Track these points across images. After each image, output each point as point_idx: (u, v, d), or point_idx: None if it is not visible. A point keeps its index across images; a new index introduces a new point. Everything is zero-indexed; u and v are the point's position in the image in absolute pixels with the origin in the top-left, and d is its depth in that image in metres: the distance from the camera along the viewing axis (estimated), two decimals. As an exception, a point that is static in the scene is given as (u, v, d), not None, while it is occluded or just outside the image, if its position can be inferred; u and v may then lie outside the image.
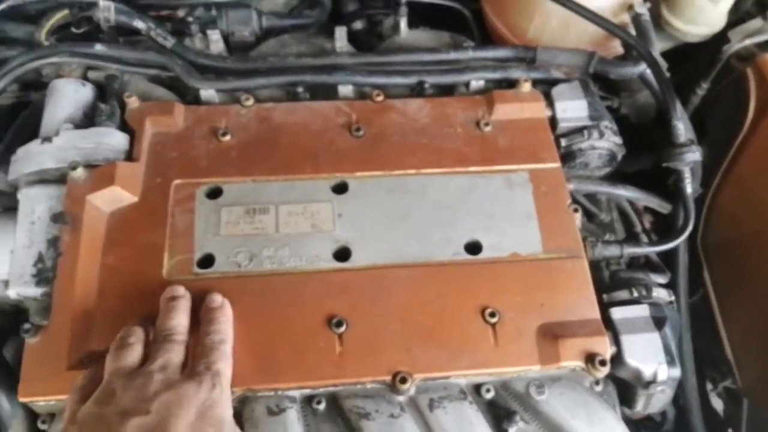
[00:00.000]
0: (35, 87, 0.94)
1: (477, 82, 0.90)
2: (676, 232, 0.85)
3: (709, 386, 1.03)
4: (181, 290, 0.69)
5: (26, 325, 0.68)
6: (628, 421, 0.72)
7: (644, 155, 0.95)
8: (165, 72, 0.88)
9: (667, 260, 0.88)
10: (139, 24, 0.90)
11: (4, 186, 0.82)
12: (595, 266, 0.79)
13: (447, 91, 0.91)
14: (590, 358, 0.69)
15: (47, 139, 0.79)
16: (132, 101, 0.83)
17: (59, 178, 0.77)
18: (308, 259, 0.74)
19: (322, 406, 0.68)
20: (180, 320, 0.66)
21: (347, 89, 0.88)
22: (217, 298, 0.69)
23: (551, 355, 0.69)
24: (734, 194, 0.95)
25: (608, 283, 0.80)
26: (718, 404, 1.04)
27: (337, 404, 0.69)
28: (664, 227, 0.94)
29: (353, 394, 0.69)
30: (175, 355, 0.63)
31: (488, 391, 0.70)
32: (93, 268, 0.72)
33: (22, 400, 0.66)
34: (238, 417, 0.67)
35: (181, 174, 0.79)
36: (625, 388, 0.74)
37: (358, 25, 1.10)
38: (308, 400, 0.69)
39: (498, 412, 0.69)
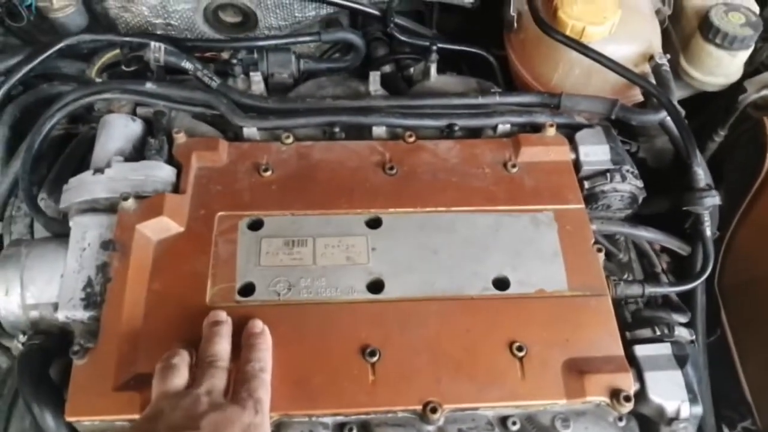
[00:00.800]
0: (83, 120, 1.00)
1: (504, 126, 0.94)
2: (696, 274, 0.88)
3: (726, 429, 1.05)
4: (223, 315, 0.72)
5: (75, 347, 0.71)
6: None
7: (661, 198, 0.98)
8: (210, 110, 0.93)
9: (685, 301, 0.91)
10: (186, 65, 0.96)
11: (55, 213, 0.87)
12: (616, 305, 0.82)
13: (475, 133, 0.96)
14: (615, 394, 0.71)
15: (99, 170, 0.84)
16: (180, 137, 0.88)
17: (109, 207, 0.82)
18: (343, 290, 0.78)
19: (353, 433, 0.71)
20: (223, 345, 0.69)
21: (381, 130, 0.93)
22: (259, 324, 0.72)
23: (577, 389, 0.72)
24: (751, 237, 0.98)
25: (630, 321, 0.83)
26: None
27: (368, 432, 0.72)
28: (679, 268, 0.97)
29: (384, 423, 0.71)
30: (218, 380, 0.66)
31: (514, 423, 0.72)
32: (140, 293, 0.76)
33: (69, 419, 0.69)
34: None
35: (225, 206, 0.83)
36: (647, 424, 0.76)
37: (387, 68, 1.16)
38: (340, 428, 0.71)
39: (524, 444, 0.72)
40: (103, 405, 0.69)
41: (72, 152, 0.98)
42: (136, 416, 0.68)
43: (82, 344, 0.72)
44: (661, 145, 1.07)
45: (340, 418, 0.71)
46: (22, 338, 0.77)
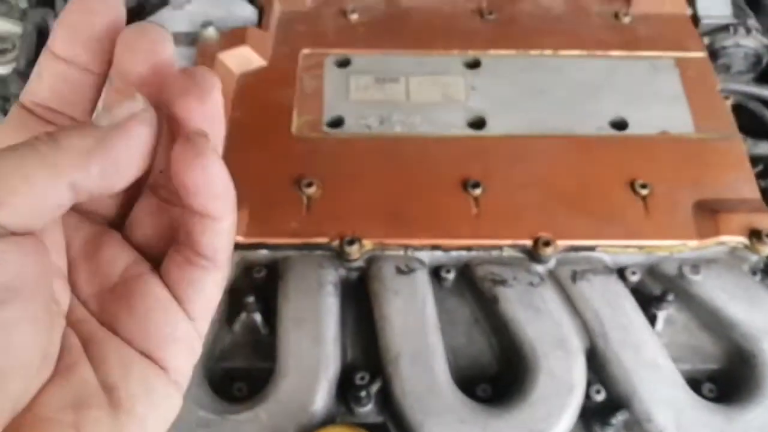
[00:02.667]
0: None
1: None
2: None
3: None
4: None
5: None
6: None
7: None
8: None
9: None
10: None
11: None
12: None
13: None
14: (754, 234, 0.62)
15: (179, 5, 0.79)
16: (262, -21, 0.82)
17: (190, 42, 0.77)
18: (440, 125, 0.71)
19: (450, 276, 0.64)
20: None
21: (474, -18, 0.85)
22: None
23: (709, 228, 0.63)
24: None
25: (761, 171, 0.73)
26: None
27: (466, 276, 0.64)
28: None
29: (488, 262, 0.64)
30: None
31: (633, 273, 0.64)
32: (222, 120, 0.70)
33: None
34: (364, 276, 0.63)
35: (310, 44, 0.77)
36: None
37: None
38: (436, 271, 0.64)
39: (643, 298, 0.63)
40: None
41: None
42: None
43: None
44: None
45: (438, 255, 0.64)
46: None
